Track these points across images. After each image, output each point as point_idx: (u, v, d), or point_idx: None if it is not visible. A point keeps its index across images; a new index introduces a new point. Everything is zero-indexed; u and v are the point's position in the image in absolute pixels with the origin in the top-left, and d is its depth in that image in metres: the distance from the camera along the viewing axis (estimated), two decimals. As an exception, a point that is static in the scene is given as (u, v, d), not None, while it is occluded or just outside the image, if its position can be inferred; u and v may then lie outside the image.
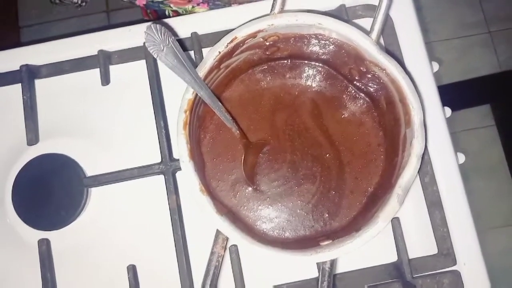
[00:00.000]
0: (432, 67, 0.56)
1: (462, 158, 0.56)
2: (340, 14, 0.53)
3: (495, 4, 1.45)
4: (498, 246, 1.26)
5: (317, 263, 0.47)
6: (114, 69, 0.55)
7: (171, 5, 0.64)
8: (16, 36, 1.38)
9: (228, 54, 0.44)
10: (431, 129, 0.53)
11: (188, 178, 0.41)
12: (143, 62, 0.54)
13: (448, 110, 0.57)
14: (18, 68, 0.54)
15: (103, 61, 0.53)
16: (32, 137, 0.52)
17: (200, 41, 0.54)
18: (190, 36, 0.53)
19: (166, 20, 0.55)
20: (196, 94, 0.42)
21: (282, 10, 0.44)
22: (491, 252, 1.25)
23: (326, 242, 0.40)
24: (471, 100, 1.33)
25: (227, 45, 0.43)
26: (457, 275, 0.49)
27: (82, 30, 0.59)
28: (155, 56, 0.38)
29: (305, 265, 0.49)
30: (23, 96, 0.53)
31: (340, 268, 0.49)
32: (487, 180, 1.30)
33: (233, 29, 0.44)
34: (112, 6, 1.42)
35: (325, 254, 0.39)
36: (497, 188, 1.30)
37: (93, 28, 0.59)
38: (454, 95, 1.31)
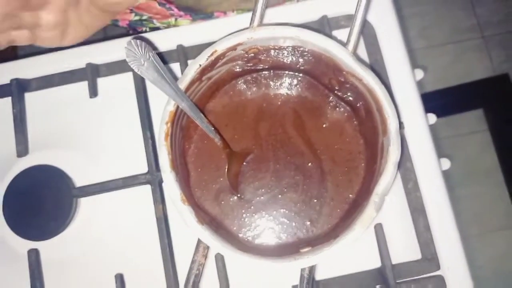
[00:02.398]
0: (415, 74, 0.57)
1: (447, 164, 0.57)
2: (322, 25, 0.54)
3: (487, 8, 1.46)
4: (494, 250, 1.27)
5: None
6: (102, 82, 0.56)
7: (154, 21, 0.65)
8: (13, 48, 1.40)
9: (209, 67, 0.45)
10: (414, 136, 0.54)
11: (169, 188, 0.42)
12: (130, 74, 0.55)
13: (432, 117, 0.58)
14: (8, 82, 0.55)
15: (91, 74, 0.54)
16: (22, 149, 0.54)
17: (186, 53, 0.55)
18: (176, 48, 0.55)
19: (151, 33, 0.56)
20: (178, 106, 0.43)
21: (260, 23, 0.45)
22: (488, 256, 1.25)
23: (305, 249, 0.41)
24: (464, 105, 1.34)
25: (207, 58, 0.44)
26: (441, 280, 0.50)
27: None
28: (136, 71, 0.39)
29: (289, 272, 0.49)
30: (13, 109, 0.54)
31: (325, 275, 0.50)
32: (482, 184, 1.30)
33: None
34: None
35: (303, 261, 0.40)
36: (492, 192, 1.31)
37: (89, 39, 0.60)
38: (447, 100, 1.32)
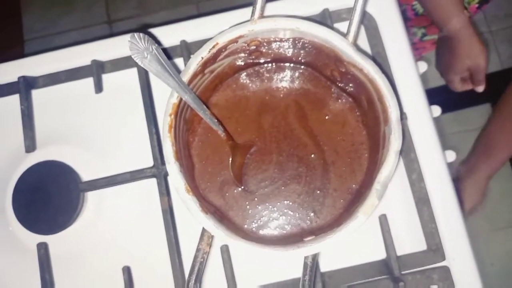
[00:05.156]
0: (419, 66, 0.57)
1: (452, 156, 0.57)
2: (324, 18, 0.54)
3: (494, 3, 1.45)
4: (503, 248, 1.25)
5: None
6: (107, 78, 0.57)
7: None
8: (20, 49, 1.43)
9: (212, 59, 0.46)
10: (418, 127, 0.54)
11: (173, 178, 0.42)
12: (134, 70, 0.56)
13: (437, 109, 0.58)
14: (16, 80, 0.56)
15: (96, 70, 0.55)
16: (30, 145, 0.55)
17: (189, 48, 0.55)
18: (179, 44, 0.55)
19: (155, 29, 0.57)
20: (181, 98, 0.43)
21: (261, 16, 0.46)
22: (497, 253, 1.24)
23: (309, 238, 0.42)
24: (471, 100, 1.33)
25: (209, 51, 0.44)
26: (446, 270, 0.50)
27: (83, 40, 0.61)
28: (139, 63, 0.40)
29: (294, 262, 0.49)
30: (21, 106, 0.55)
31: (331, 266, 0.50)
32: (491, 181, 1.29)
33: (218, 35, 0.46)
34: (113, 17, 1.46)
35: (306, 249, 0.40)
36: (501, 189, 1.30)
37: (94, 37, 0.61)
38: (453, 95, 1.31)
